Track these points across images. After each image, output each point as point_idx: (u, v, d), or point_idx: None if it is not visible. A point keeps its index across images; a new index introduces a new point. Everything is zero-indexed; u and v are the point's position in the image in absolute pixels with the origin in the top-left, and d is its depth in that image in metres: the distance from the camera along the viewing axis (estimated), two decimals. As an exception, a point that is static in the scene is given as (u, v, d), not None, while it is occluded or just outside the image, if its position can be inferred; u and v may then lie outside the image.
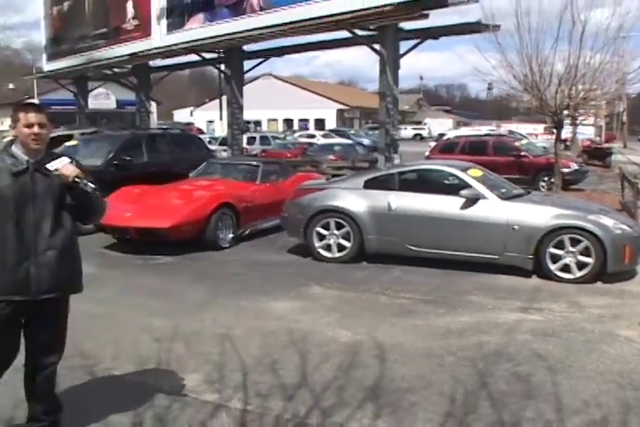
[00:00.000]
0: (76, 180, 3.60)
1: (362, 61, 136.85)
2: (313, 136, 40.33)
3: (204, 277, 8.41)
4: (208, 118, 58.68)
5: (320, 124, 63.42)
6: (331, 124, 63.32)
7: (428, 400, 4.44)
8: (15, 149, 3.70)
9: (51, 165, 3.61)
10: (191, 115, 67.70)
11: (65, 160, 3.65)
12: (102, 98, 31.76)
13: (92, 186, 3.66)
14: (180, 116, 71.47)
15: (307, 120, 66.15)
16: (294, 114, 66.25)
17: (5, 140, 3.39)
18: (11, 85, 57.65)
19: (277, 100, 61.63)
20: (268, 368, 5.05)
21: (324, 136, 39.86)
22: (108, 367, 5.09)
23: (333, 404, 4.40)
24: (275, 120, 66.58)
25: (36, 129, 3.61)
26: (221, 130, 38.90)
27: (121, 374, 4.98)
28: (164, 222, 9.52)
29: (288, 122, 67.06)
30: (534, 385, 4.71)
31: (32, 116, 3.63)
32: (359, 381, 4.80)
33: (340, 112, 67.74)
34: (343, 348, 5.54)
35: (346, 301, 7.23)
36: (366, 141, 38.72)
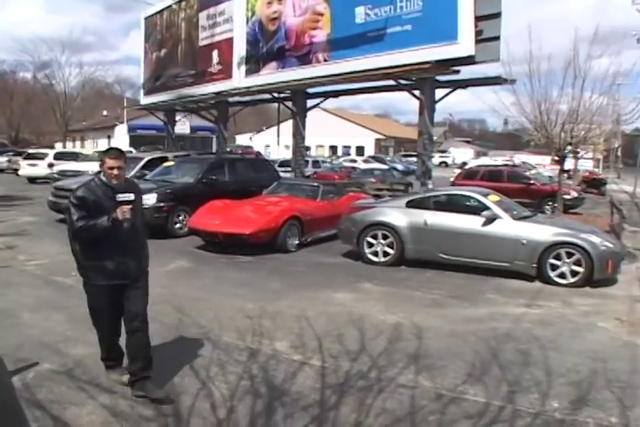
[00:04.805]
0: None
1: (396, 97, 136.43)
2: (355, 161, 40.44)
3: (278, 273, 9.03)
4: (265, 143, 58.91)
5: (360, 150, 63.70)
6: (369, 150, 63.57)
7: (455, 365, 5.22)
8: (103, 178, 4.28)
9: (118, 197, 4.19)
10: (250, 139, 68.21)
11: (130, 197, 4.21)
12: (180, 124, 32.64)
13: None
14: (241, 140, 71.93)
15: (349, 147, 66.37)
16: (338, 141, 66.62)
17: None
18: (105, 112, 59.47)
19: (324, 129, 61.73)
20: (336, 339, 5.82)
21: (365, 161, 39.87)
22: (217, 335, 5.88)
23: (386, 364, 5.18)
24: (322, 146, 66.29)
25: (115, 171, 4.21)
26: (277, 153, 39.68)
27: (229, 339, 5.76)
28: (245, 229, 10.19)
29: (333, 148, 67.17)
30: (533, 358, 5.42)
31: (113, 162, 4.21)
32: (403, 350, 5.57)
33: (377, 141, 68.06)
34: (390, 327, 6.26)
35: (389, 294, 7.89)
36: (400, 167, 38.68)
